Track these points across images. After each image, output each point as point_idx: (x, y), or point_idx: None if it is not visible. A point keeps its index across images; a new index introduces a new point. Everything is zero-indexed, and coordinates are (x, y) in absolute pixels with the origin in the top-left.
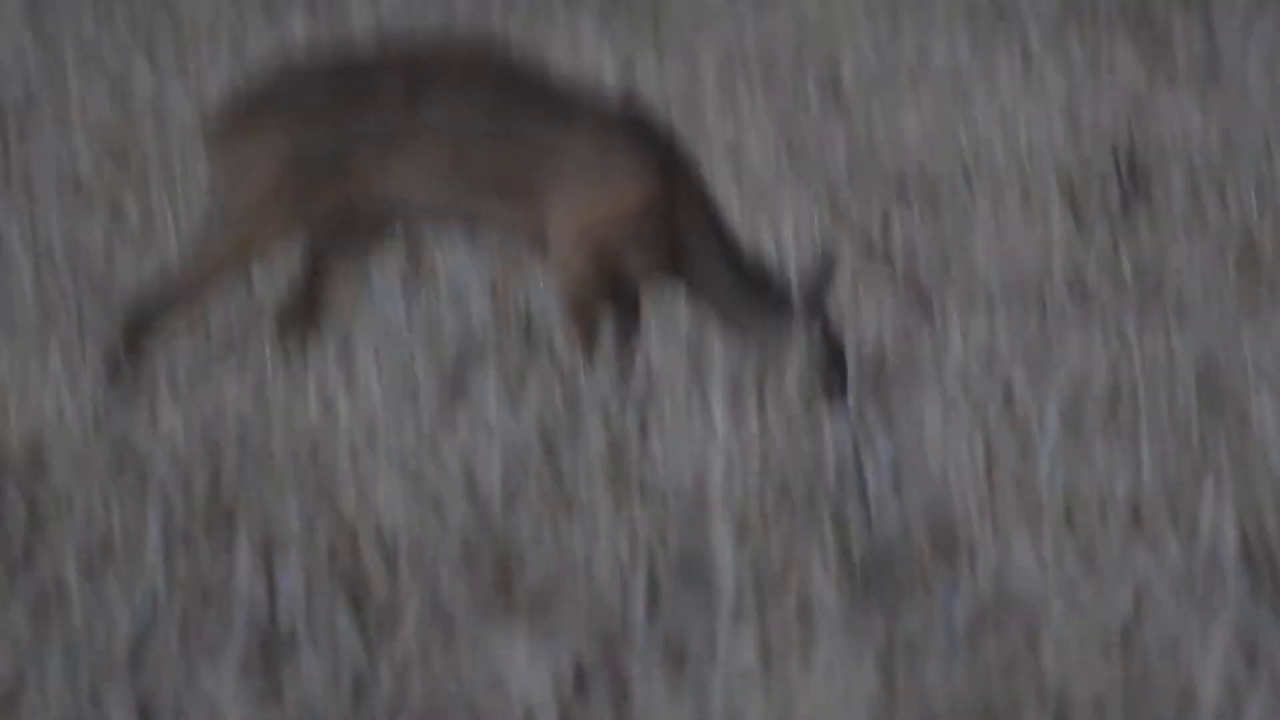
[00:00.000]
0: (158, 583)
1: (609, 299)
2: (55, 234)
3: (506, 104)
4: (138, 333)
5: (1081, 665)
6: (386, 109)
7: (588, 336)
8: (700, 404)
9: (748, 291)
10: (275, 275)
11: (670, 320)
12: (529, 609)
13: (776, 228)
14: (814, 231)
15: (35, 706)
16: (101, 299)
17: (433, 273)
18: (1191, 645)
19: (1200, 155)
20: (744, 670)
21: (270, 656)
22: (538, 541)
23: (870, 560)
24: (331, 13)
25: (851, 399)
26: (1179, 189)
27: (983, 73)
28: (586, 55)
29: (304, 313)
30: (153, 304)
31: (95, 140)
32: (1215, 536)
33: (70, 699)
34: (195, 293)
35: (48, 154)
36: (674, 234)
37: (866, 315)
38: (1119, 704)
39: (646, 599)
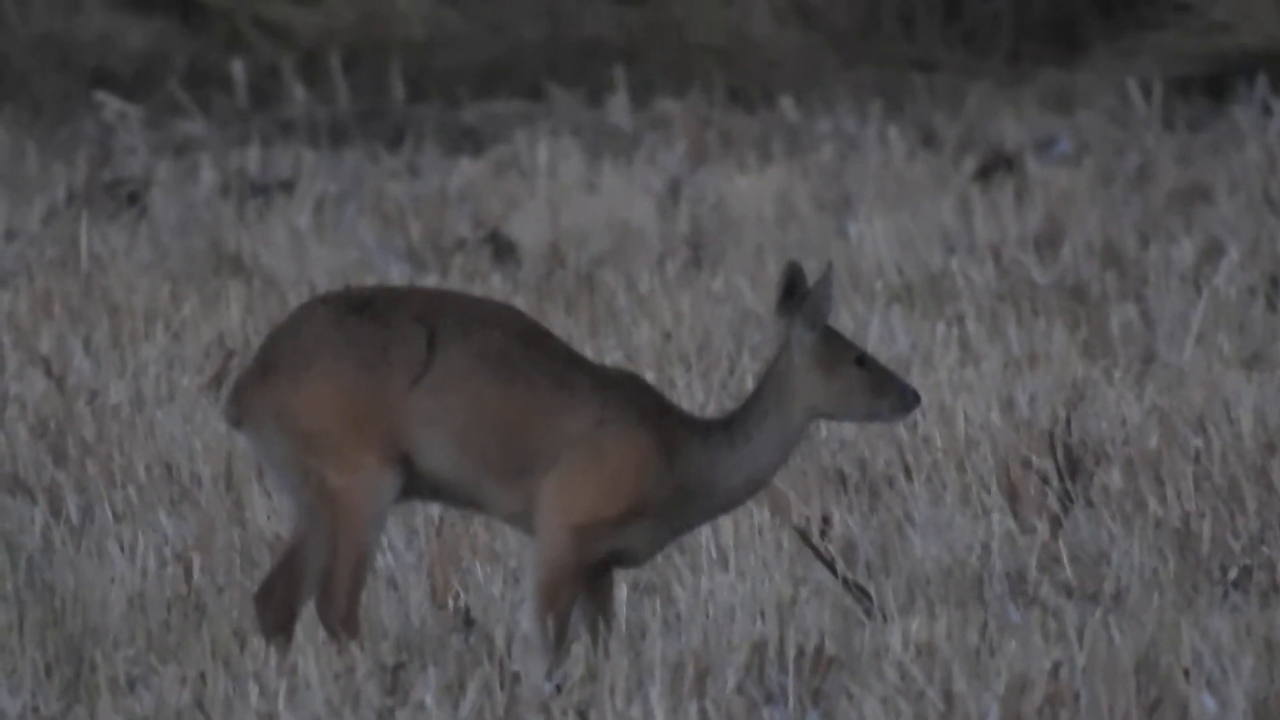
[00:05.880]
0: None
1: (583, 586)
2: None
3: (516, 361)
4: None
5: None
6: (409, 352)
7: (556, 626)
8: (641, 706)
9: None
10: (214, 573)
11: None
12: None
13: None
14: (754, 526)
15: None
16: (41, 598)
17: (372, 571)
18: None
19: (1138, 445)
20: None
21: None
22: None
23: None
24: (268, 299)
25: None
26: (1118, 480)
27: (921, 359)
28: None
29: (286, 597)
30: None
31: (34, 434)
32: None
33: None
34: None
35: None
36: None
37: (806, 612)
38: None
39: None
